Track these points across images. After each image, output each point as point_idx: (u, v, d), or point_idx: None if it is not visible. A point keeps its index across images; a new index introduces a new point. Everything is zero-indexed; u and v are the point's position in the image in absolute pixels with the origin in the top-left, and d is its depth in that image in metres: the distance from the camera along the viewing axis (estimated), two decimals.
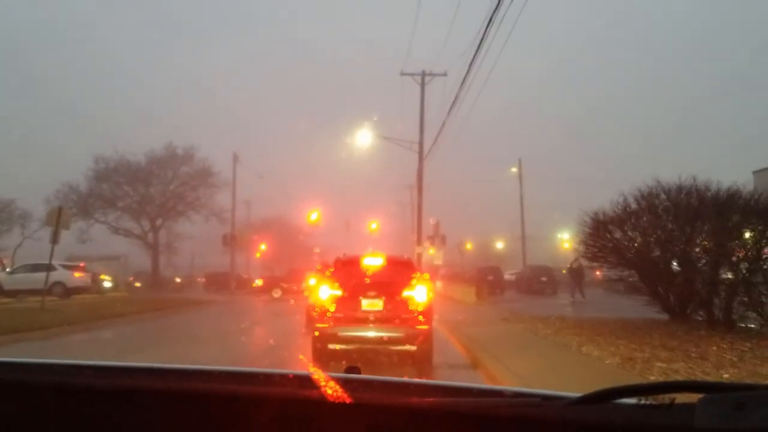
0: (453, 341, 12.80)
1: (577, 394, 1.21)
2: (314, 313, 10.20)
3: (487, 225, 72.32)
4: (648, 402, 1.11)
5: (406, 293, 10.00)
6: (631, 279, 13.21)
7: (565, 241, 69.50)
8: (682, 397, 1.09)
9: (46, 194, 41.66)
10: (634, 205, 12.20)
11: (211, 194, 45.42)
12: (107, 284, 37.43)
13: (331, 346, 9.77)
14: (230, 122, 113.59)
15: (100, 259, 45.99)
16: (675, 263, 12.00)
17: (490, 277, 37.55)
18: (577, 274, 28.34)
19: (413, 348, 9.71)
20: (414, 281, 10.18)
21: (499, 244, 70.13)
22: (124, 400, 1.38)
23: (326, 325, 9.88)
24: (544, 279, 38.42)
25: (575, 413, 1.17)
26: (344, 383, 1.31)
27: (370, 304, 9.92)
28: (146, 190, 44.09)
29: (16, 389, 1.40)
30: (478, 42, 14.68)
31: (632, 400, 1.14)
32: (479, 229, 70.00)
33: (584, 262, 18.44)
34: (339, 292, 10.09)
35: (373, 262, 10.48)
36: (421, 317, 9.90)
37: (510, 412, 1.23)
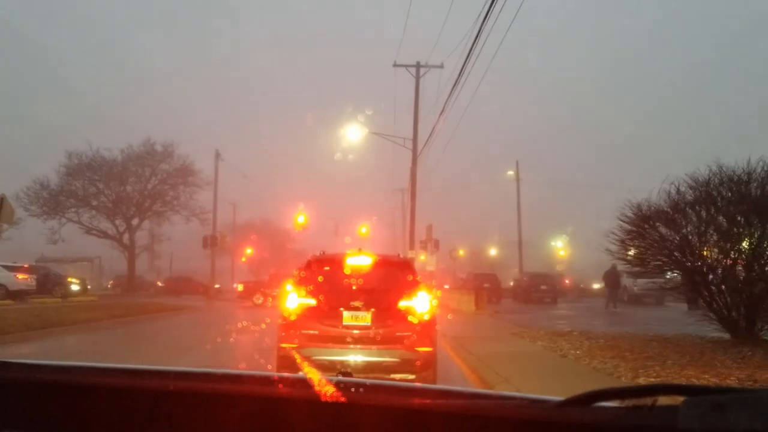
0: (459, 364, 10.27)
1: (563, 398, 1.19)
2: (281, 330, 7.68)
3: (480, 231, 70.04)
4: (631, 404, 1.11)
5: (402, 303, 7.53)
6: (682, 287, 10.71)
7: (560, 248, 67.69)
8: (665, 401, 1.07)
9: (16, 191, 38.91)
10: (689, 196, 9.75)
11: (192, 193, 42.69)
12: (75, 287, 34.65)
13: None
14: (213, 121, 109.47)
15: (72, 261, 43.31)
16: (740, 268, 9.56)
17: (487, 285, 35.12)
18: (613, 281, 25.97)
19: (412, 377, 7.25)
20: (413, 288, 7.70)
21: (493, 251, 67.81)
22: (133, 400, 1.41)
23: (293, 345, 7.37)
24: (543, 287, 36.09)
25: (560, 414, 1.18)
26: (337, 385, 1.31)
27: (355, 318, 7.43)
28: (122, 189, 41.26)
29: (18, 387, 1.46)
30: (476, 30, 13.11)
31: (616, 403, 1.14)
32: (472, 235, 67.59)
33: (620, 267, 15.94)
34: (312, 302, 7.58)
35: (359, 262, 7.95)
36: (422, 335, 7.43)
37: (498, 413, 1.25)
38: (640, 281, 32.82)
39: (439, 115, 22.04)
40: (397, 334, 7.38)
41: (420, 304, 7.54)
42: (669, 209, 9.90)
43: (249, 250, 63.85)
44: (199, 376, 1.51)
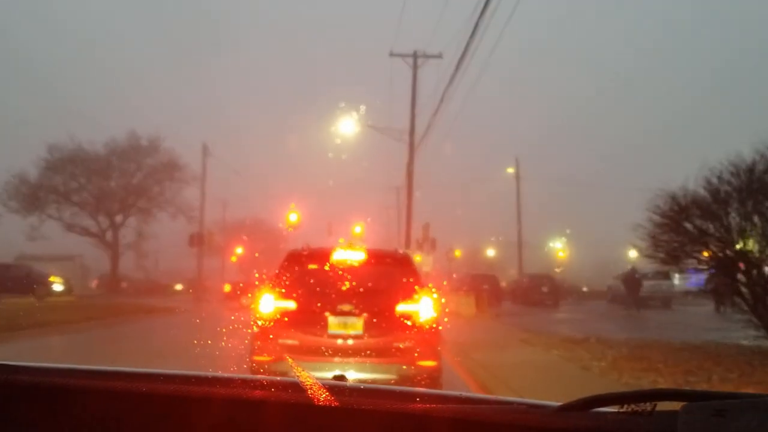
0: (463, 376, 8.85)
1: (561, 403, 1.19)
2: (253, 340, 6.30)
3: (476, 231, 68.78)
4: (630, 409, 1.09)
5: (401, 307, 6.19)
6: (723, 286, 9.40)
7: (560, 249, 66.44)
8: (664, 406, 1.06)
9: None
10: (730, 184, 8.42)
11: (178, 189, 41.14)
12: (58, 287, 33.23)
13: None
14: (204, 118, 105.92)
15: (53, 259, 41.71)
16: None
17: (486, 286, 33.77)
18: (632, 284, 24.67)
19: None
20: (414, 288, 6.35)
21: (491, 251, 66.53)
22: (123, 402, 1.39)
23: (268, 359, 6.02)
24: (545, 289, 34.78)
25: (559, 420, 1.16)
26: (331, 389, 1.29)
27: (343, 325, 6.08)
28: (105, 184, 39.64)
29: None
30: (476, 17, 12.50)
31: (615, 408, 1.12)
32: (468, 235, 66.26)
33: (644, 266, 14.61)
34: (291, 305, 6.21)
35: (349, 257, 6.57)
36: (425, 347, 6.11)
37: (496, 418, 1.22)
38: (647, 283, 31.73)
39: (437, 105, 20.71)
40: (395, 345, 6.04)
41: (423, 308, 6.20)
42: (708, 198, 8.58)
43: (239, 250, 62.42)
44: (189, 379, 1.48)
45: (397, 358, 5.99)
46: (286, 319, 6.10)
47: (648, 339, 11.57)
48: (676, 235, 8.96)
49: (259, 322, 6.19)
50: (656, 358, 8.85)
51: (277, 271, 6.56)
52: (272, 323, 6.10)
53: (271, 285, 6.36)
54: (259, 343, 6.13)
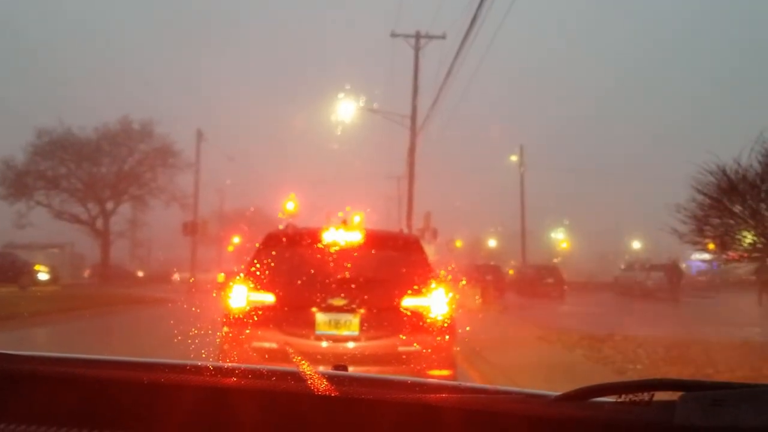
0: (478, 382, 7.64)
1: (559, 392, 1.17)
2: (222, 342, 5.05)
3: (476, 221, 67.50)
4: (628, 399, 1.08)
5: (407, 302, 4.93)
6: None
7: (562, 240, 65.28)
8: (662, 396, 1.05)
9: None
10: None
11: (172, 176, 39.78)
12: (43, 276, 32.09)
13: None
14: (196, 101, 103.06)
15: (42, 248, 40.55)
16: None
17: (489, 277, 32.63)
18: (674, 274, 23.62)
19: None
20: (423, 278, 5.11)
21: (492, 242, 65.35)
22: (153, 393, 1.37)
23: None
24: (550, 280, 33.68)
25: (557, 409, 1.15)
26: (330, 379, 1.28)
27: (335, 324, 4.83)
28: (96, 170, 38.28)
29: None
30: None
31: (613, 398, 1.11)
32: (468, 225, 64.97)
33: (649, 256, 13.34)
34: (270, 298, 4.94)
35: (343, 240, 5.30)
36: (438, 352, 4.88)
37: (494, 407, 1.21)
38: (654, 275, 30.61)
39: (443, 80, 19.44)
40: (400, 349, 4.80)
41: (435, 302, 4.94)
42: (761, 172, 7.28)
43: (236, 239, 61.34)
44: (189, 369, 1.45)
45: (402, 366, 4.75)
46: (263, 316, 4.85)
47: (680, 336, 10.36)
48: (729, 217, 7.67)
49: (230, 320, 4.96)
50: (701, 360, 7.64)
51: (253, 257, 5.30)
52: (245, 322, 4.84)
53: (245, 274, 5.11)
54: (227, 346, 4.89)
